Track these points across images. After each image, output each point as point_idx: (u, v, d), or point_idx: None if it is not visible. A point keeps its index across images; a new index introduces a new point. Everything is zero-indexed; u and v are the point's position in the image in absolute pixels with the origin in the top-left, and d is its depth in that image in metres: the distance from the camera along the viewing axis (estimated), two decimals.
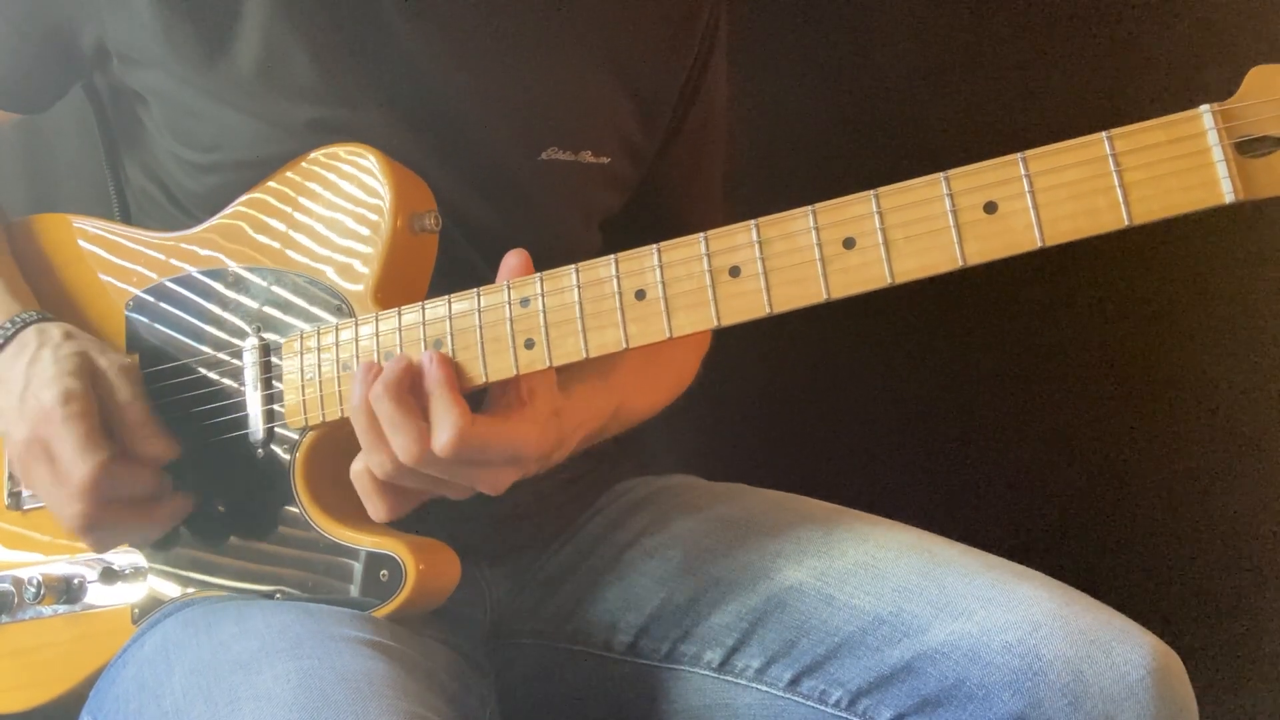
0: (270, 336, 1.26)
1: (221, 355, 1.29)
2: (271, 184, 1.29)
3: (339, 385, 1.20)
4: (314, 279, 1.25)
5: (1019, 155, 0.95)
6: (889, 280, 0.99)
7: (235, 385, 1.28)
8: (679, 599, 1.33)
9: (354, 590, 1.20)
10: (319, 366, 1.22)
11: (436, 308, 1.16)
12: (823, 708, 1.24)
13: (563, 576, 1.42)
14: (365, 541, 1.20)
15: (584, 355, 1.10)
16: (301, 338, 1.23)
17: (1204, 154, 0.90)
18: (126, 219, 1.48)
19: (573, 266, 1.11)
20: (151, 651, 1.22)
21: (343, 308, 1.22)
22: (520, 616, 1.43)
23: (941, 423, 2.00)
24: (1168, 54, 1.82)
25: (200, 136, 1.31)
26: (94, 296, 1.38)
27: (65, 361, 1.23)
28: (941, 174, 0.98)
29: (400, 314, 1.18)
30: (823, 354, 1.95)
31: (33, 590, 1.33)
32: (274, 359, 1.26)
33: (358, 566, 1.20)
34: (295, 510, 1.24)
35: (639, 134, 1.42)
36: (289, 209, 1.28)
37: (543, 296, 1.12)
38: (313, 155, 1.27)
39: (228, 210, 1.32)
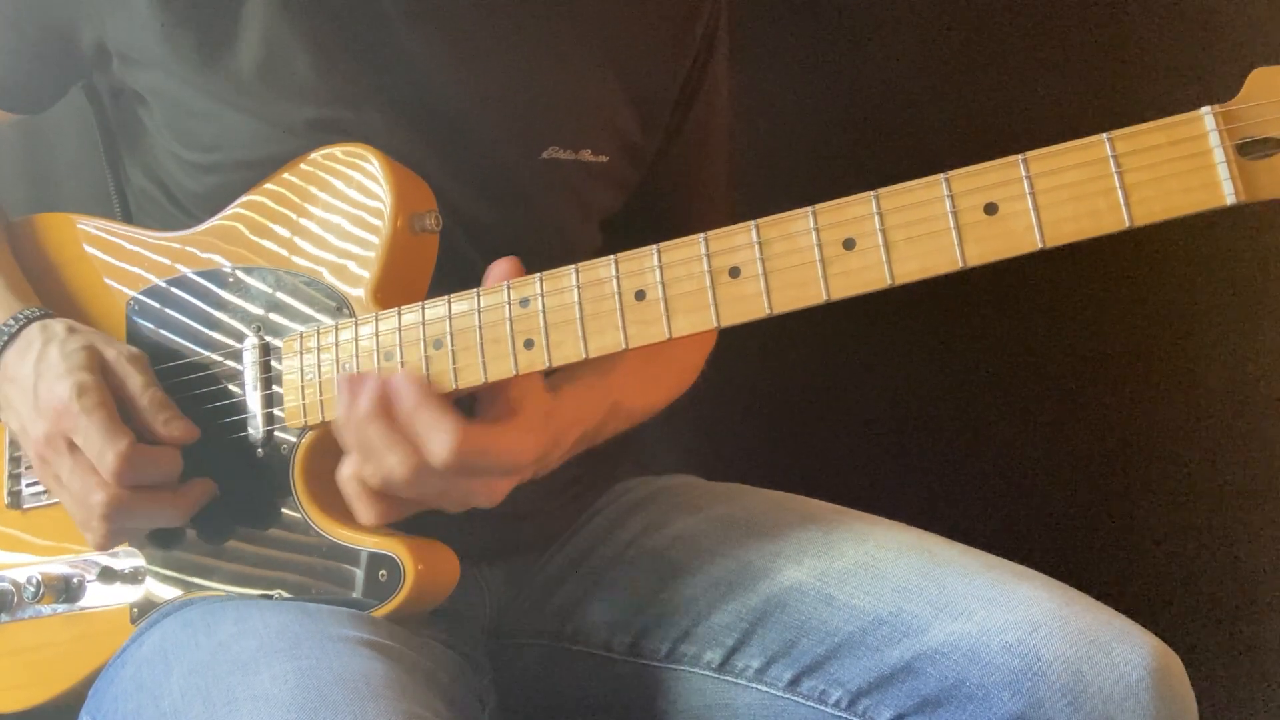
0: (270, 337, 1.26)
1: (221, 356, 1.29)
2: (271, 184, 1.29)
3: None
4: (314, 280, 1.25)
5: (1020, 156, 0.95)
6: (889, 281, 0.99)
7: (235, 386, 1.28)
8: (679, 599, 1.33)
9: (353, 590, 1.20)
10: (319, 367, 1.22)
11: (436, 308, 1.16)
12: (823, 708, 1.24)
13: (563, 576, 1.42)
14: (364, 542, 1.20)
15: (583, 356, 1.10)
16: (301, 338, 1.23)
17: (1205, 155, 0.90)
18: (127, 219, 1.48)
19: (572, 267, 1.11)
20: (150, 651, 1.22)
21: (342, 308, 1.22)
22: (520, 616, 1.43)
23: (941, 423, 2.00)
24: (1169, 55, 1.82)
25: (200, 136, 1.31)
26: (95, 297, 1.38)
27: (74, 356, 1.23)
28: (942, 175, 0.98)
29: (400, 314, 1.18)
30: (823, 354, 1.95)
31: (32, 590, 1.33)
32: (273, 360, 1.26)
33: (357, 567, 1.20)
34: (294, 511, 1.24)
35: (638, 133, 1.42)
36: (289, 210, 1.28)
37: (542, 297, 1.12)
38: (313, 155, 1.27)
39: (227, 211, 1.32)
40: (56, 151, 1.81)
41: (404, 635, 1.19)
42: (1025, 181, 0.95)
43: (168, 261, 1.34)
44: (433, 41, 1.29)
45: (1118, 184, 0.92)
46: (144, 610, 1.30)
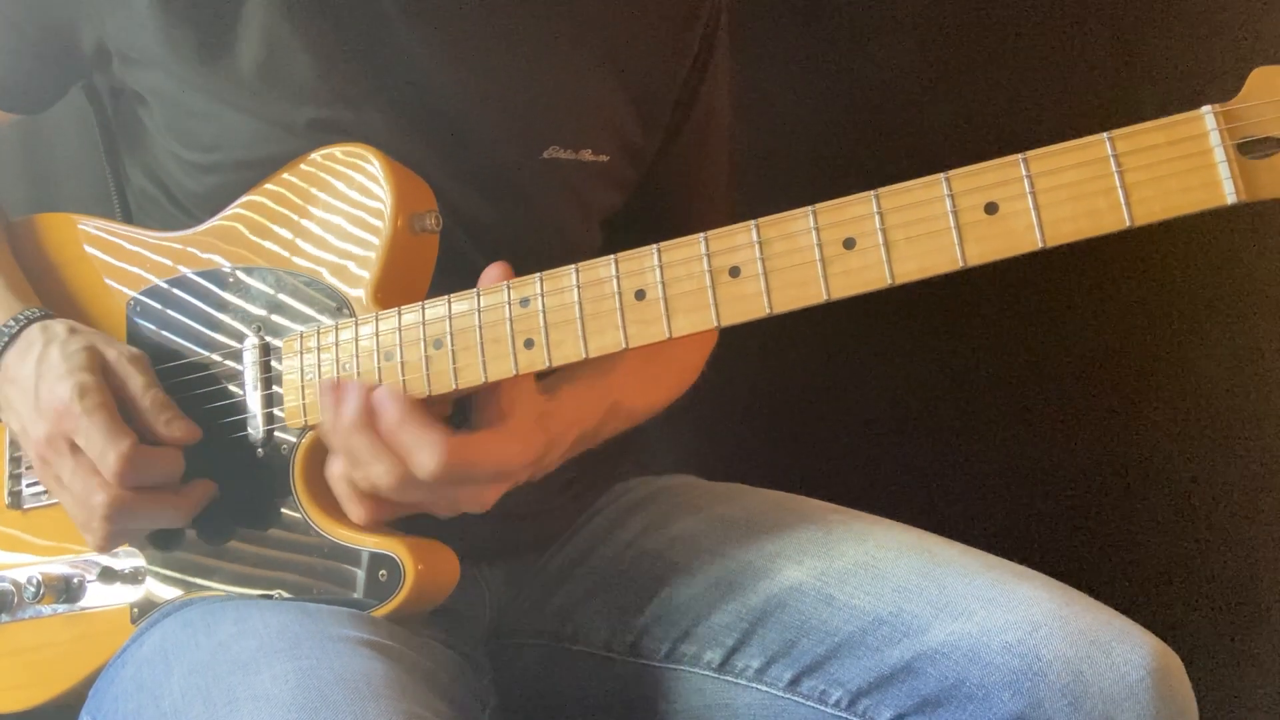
0: (270, 338, 1.26)
1: (221, 356, 1.29)
2: (272, 185, 1.29)
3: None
4: (314, 280, 1.25)
5: (1020, 156, 0.95)
6: (889, 281, 0.99)
7: (235, 386, 1.28)
8: (679, 599, 1.33)
9: (353, 590, 1.20)
10: (319, 367, 1.22)
11: (436, 308, 1.16)
12: (823, 708, 1.24)
13: (563, 576, 1.42)
14: (364, 542, 1.20)
15: (583, 355, 1.10)
16: (301, 338, 1.23)
17: (1206, 155, 0.90)
18: (127, 219, 1.48)
19: (572, 266, 1.11)
20: (150, 651, 1.22)
21: (342, 308, 1.22)
22: (520, 616, 1.43)
23: (941, 423, 2.00)
24: (1169, 54, 1.82)
25: (200, 136, 1.31)
26: (95, 297, 1.38)
27: (74, 357, 1.23)
28: (942, 174, 0.98)
29: (400, 314, 1.18)
30: (823, 354, 1.95)
31: (32, 590, 1.33)
32: (274, 360, 1.26)
33: (356, 567, 1.20)
34: (294, 511, 1.24)
35: (638, 133, 1.42)
36: (289, 210, 1.28)
37: (542, 296, 1.12)
38: (313, 156, 1.27)
39: (227, 211, 1.32)
40: (56, 151, 1.81)
41: (404, 635, 1.19)
42: (1025, 181, 0.95)
43: (168, 262, 1.34)
44: (433, 41, 1.29)
45: (1118, 183, 0.92)
46: (144, 610, 1.30)
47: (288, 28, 1.26)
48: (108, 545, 1.25)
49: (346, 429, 1.14)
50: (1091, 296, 1.92)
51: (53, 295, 1.38)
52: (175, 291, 1.33)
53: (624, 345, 1.09)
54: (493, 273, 1.16)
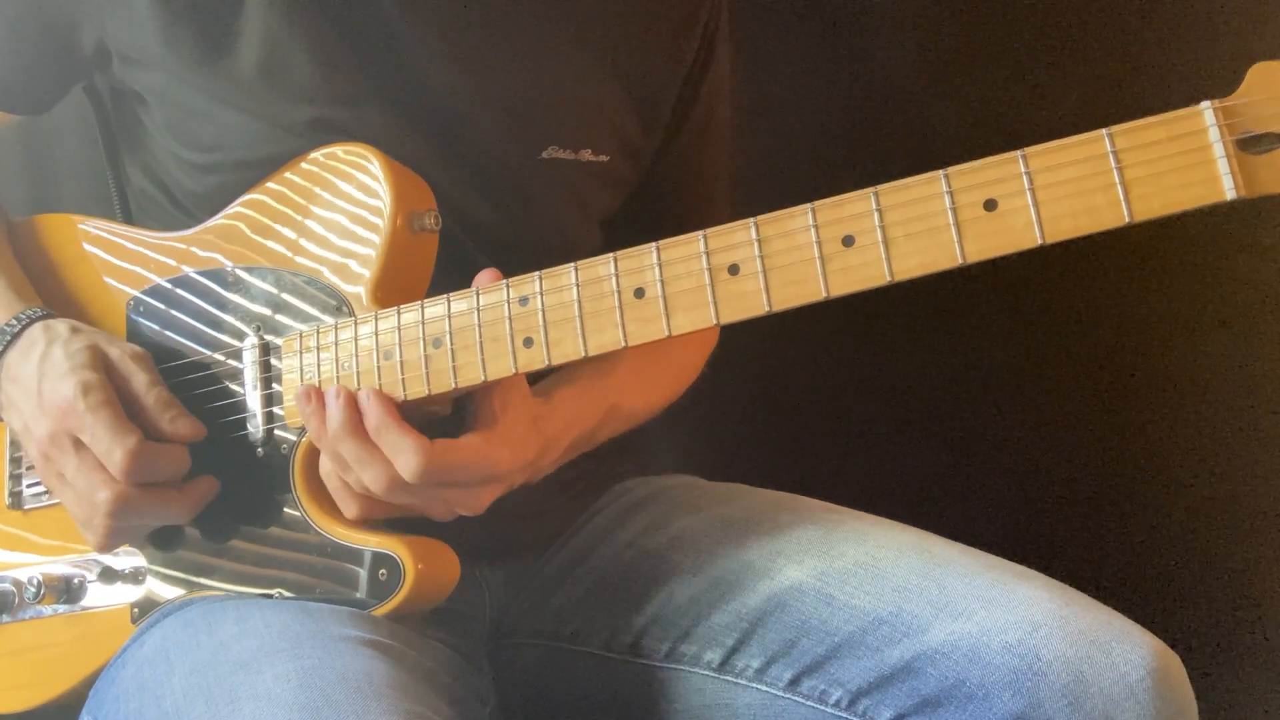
0: (270, 337, 1.26)
1: (221, 355, 1.29)
2: (271, 184, 1.29)
3: (339, 384, 1.20)
4: (314, 279, 1.25)
5: (1019, 152, 0.95)
6: (888, 278, 0.99)
7: (235, 385, 1.28)
8: (679, 599, 1.33)
9: (353, 589, 1.20)
10: (318, 366, 1.22)
11: (435, 307, 1.16)
12: (823, 708, 1.24)
13: (563, 576, 1.42)
14: (364, 541, 1.20)
15: (583, 354, 1.10)
16: (301, 338, 1.24)
17: (1205, 151, 0.90)
18: (128, 219, 1.48)
19: (572, 265, 1.11)
20: (151, 651, 1.22)
21: (342, 307, 1.22)
22: (520, 616, 1.43)
23: (941, 422, 2.00)
24: (1168, 50, 1.81)
25: (200, 137, 1.31)
26: (95, 296, 1.38)
27: (77, 355, 1.24)
28: (941, 171, 0.98)
29: (399, 313, 1.18)
30: (823, 354, 1.95)
31: (33, 590, 1.33)
32: (273, 359, 1.26)
33: (357, 566, 1.20)
34: (295, 510, 1.24)
35: (638, 133, 1.42)
36: (289, 209, 1.28)
37: (542, 295, 1.12)
38: (313, 155, 1.28)
39: (228, 210, 1.32)
40: (56, 152, 1.82)
41: (405, 635, 1.20)
42: (1025, 177, 0.95)
43: (168, 261, 1.34)
44: (432, 41, 1.29)
45: (1117, 179, 0.92)
46: (145, 610, 1.30)
47: (287, 28, 1.26)
48: (109, 544, 1.26)
49: (332, 437, 1.15)
50: (1091, 296, 1.92)
51: (53, 295, 1.38)
52: (175, 290, 1.33)
53: (623, 343, 1.09)
54: (484, 278, 1.16)
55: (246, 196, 1.30)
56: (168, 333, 1.32)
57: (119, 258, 1.37)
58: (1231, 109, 0.90)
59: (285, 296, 1.26)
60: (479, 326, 1.14)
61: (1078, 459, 1.97)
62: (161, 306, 1.33)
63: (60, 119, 1.55)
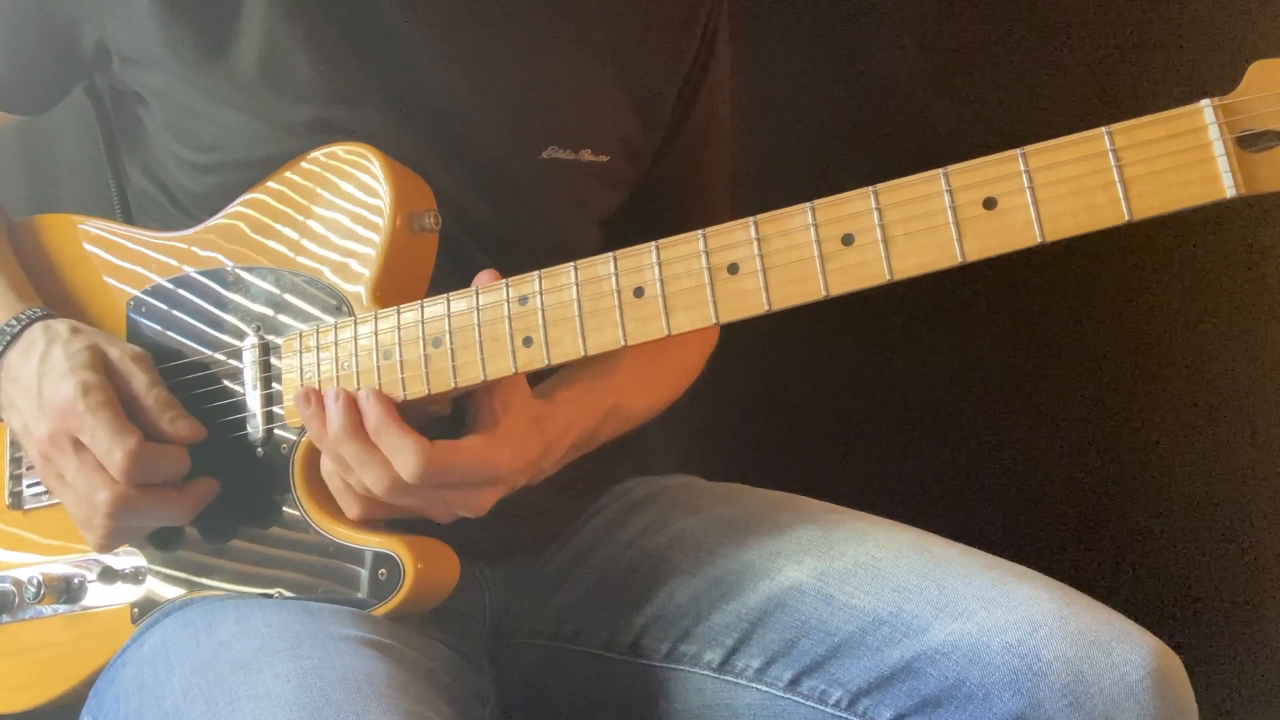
0: (270, 336, 1.26)
1: (221, 355, 1.29)
2: (271, 184, 1.29)
3: (338, 385, 1.20)
4: (314, 279, 1.25)
5: (1019, 151, 0.95)
6: (888, 277, 0.99)
7: (235, 385, 1.28)
8: (679, 599, 1.33)
9: (353, 589, 1.20)
10: (318, 366, 1.22)
11: (435, 306, 1.16)
12: (823, 708, 1.24)
13: (563, 576, 1.42)
14: (364, 540, 1.20)
15: (582, 353, 1.10)
16: (300, 337, 1.24)
17: (1205, 149, 0.90)
18: (128, 219, 1.48)
19: (571, 265, 1.11)
20: (151, 651, 1.22)
21: (342, 307, 1.22)
22: (521, 616, 1.43)
23: (941, 422, 2.00)
24: (1168, 48, 1.81)
25: (200, 137, 1.31)
26: (95, 296, 1.38)
27: (77, 356, 1.24)
28: (941, 170, 0.98)
29: (399, 313, 1.18)
30: (823, 353, 1.95)
31: (33, 590, 1.33)
32: (273, 359, 1.26)
33: (357, 566, 1.20)
34: (294, 510, 1.24)
35: (638, 133, 1.42)
36: (289, 209, 1.28)
37: (541, 295, 1.12)
38: (313, 155, 1.28)
39: (228, 210, 1.32)
40: (56, 152, 1.82)
41: (405, 635, 1.20)
42: (1024, 176, 0.95)
43: (168, 260, 1.34)
44: (432, 40, 1.30)
45: (1117, 178, 0.92)
46: (145, 610, 1.30)
47: (287, 27, 1.26)
48: (109, 544, 1.26)
49: (333, 439, 1.15)
50: (1092, 295, 1.92)
51: (53, 295, 1.38)
52: (175, 290, 1.33)
53: (623, 343, 1.09)
54: (483, 279, 1.16)
55: (247, 196, 1.30)
56: (168, 332, 1.32)
57: (119, 257, 1.38)
58: (1231, 107, 0.90)
59: (285, 296, 1.26)
60: (478, 326, 1.14)
61: (1078, 459, 1.97)
62: (161, 306, 1.33)
63: (60, 119, 1.55)
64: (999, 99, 1.88)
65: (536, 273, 1.13)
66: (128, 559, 1.32)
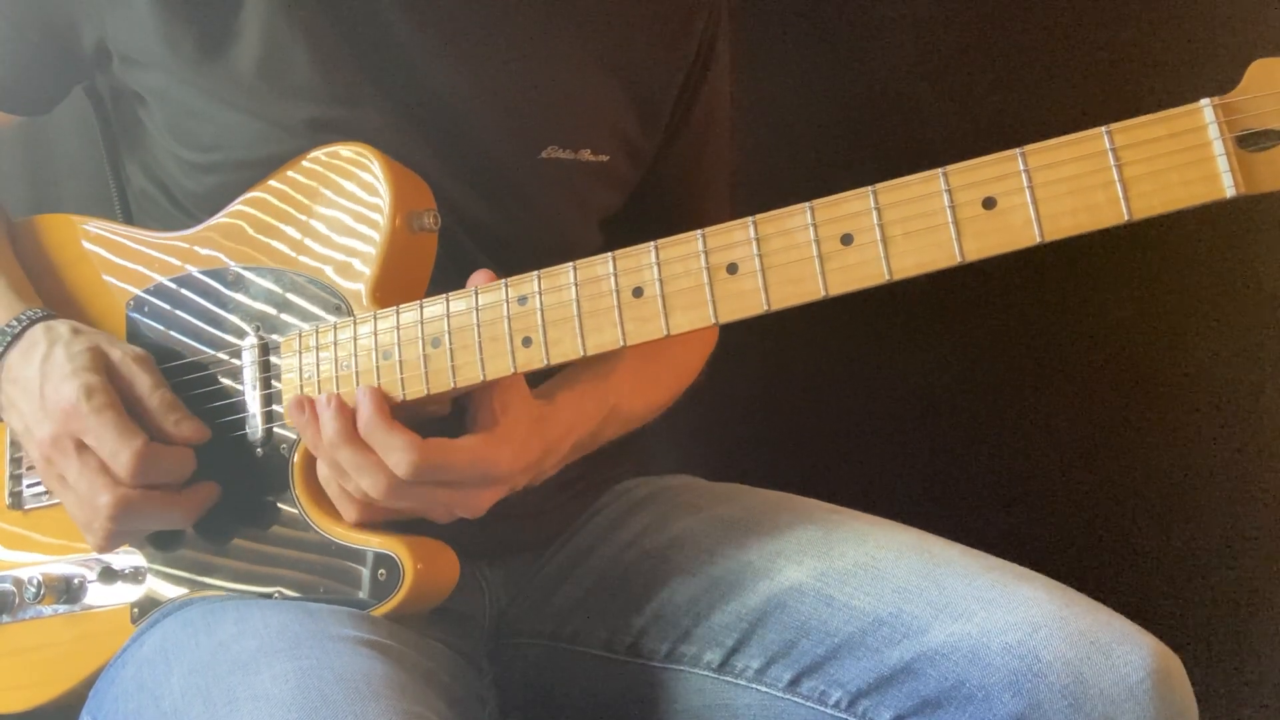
0: (270, 336, 1.26)
1: (221, 355, 1.29)
2: (271, 183, 1.29)
3: (337, 385, 1.20)
4: (313, 278, 1.25)
5: (1018, 150, 0.95)
6: (887, 277, 0.99)
7: (235, 384, 1.28)
8: (679, 599, 1.33)
9: (353, 590, 1.20)
10: (318, 366, 1.22)
11: (434, 306, 1.16)
12: (822, 708, 1.24)
13: (563, 577, 1.42)
14: (364, 541, 1.20)
15: (582, 353, 1.10)
16: (300, 337, 1.24)
17: (1205, 148, 0.90)
18: (128, 219, 1.48)
19: (570, 265, 1.11)
20: (151, 652, 1.22)
21: (341, 307, 1.22)
22: (520, 617, 1.43)
23: (941, 423, 2.00)
24: (1168, 47, 1.81)
25: (200, 137, 1.31)
26: (95, 296, 1.38)
27: (79, 357, 1.24)
28: (940, 170, 0.98)
29: (399, 313, 1.18)
30: (823, 353, 1.95)
31: (33, 590, 1.33)
32: (273, 358, 1.26)
33: (356, 566, 1.20)
34: (294, 509, 1.24)
35: (638, 133, 1.42)
36: (289, 208, 1.28)
37: (540, 295, 1.12)
38: (312, 155, 1.28)
39: (229, 209, 1.32)
40: (56, 152, 1.82)
41: (405, 635, 1.20)
42: (1024, 175, 0.95)
43: (169, 259, 1.34)
44: (432, 40, 1.30)
45: (1116, 177, 0.92)
46: (145, 610, 1.30)
47: (287, 27, 1.26)
48: (109, 546, 1.26)
49: (328, 445, 1.15)
50: (1092, 295, 1.92)
51: (53, 295, 1.38)
52: (175, 289, 1.33)
53: (622, 343, 1.09)
54: (478, 278, 1.17)
55: (248, 195, 1.30)
56: (168, 331, 1.32)
57: (119, 257, 1.38)
58: (1231, 106, 0.90)
59: (286, 295, 1.26)
60: (478, 326, 1.14)
61: (1078, 459, 1.97)
62: (162, 305, 1.33)
63: (60, 119, 1.56)
64: (999, 99, 1.88)
65: (536, 273, 1.13)
66: (128, 559, 1.32)
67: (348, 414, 1.15)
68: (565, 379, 1.31)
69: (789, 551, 1.30)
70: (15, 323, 1.29)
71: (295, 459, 1.24)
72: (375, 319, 1.19)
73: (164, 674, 1.16)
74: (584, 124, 1.37)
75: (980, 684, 1.13)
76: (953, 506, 1.90)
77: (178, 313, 1.32)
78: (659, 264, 1.07)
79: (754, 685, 1.28)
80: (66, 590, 1.34)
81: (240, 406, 1.27)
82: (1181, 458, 1.93)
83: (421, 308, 1.17)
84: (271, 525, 1.25)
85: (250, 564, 1.26)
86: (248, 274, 1.29)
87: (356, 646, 1.12)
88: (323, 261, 1.25)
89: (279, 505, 1.25)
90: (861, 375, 2.00)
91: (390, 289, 1.22)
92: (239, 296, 1.29)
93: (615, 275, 1.09)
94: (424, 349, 1.16)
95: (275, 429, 1.25)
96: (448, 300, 1.16)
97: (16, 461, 1.40)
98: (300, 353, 1.23)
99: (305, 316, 1.25)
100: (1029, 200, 0.94)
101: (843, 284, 1.01)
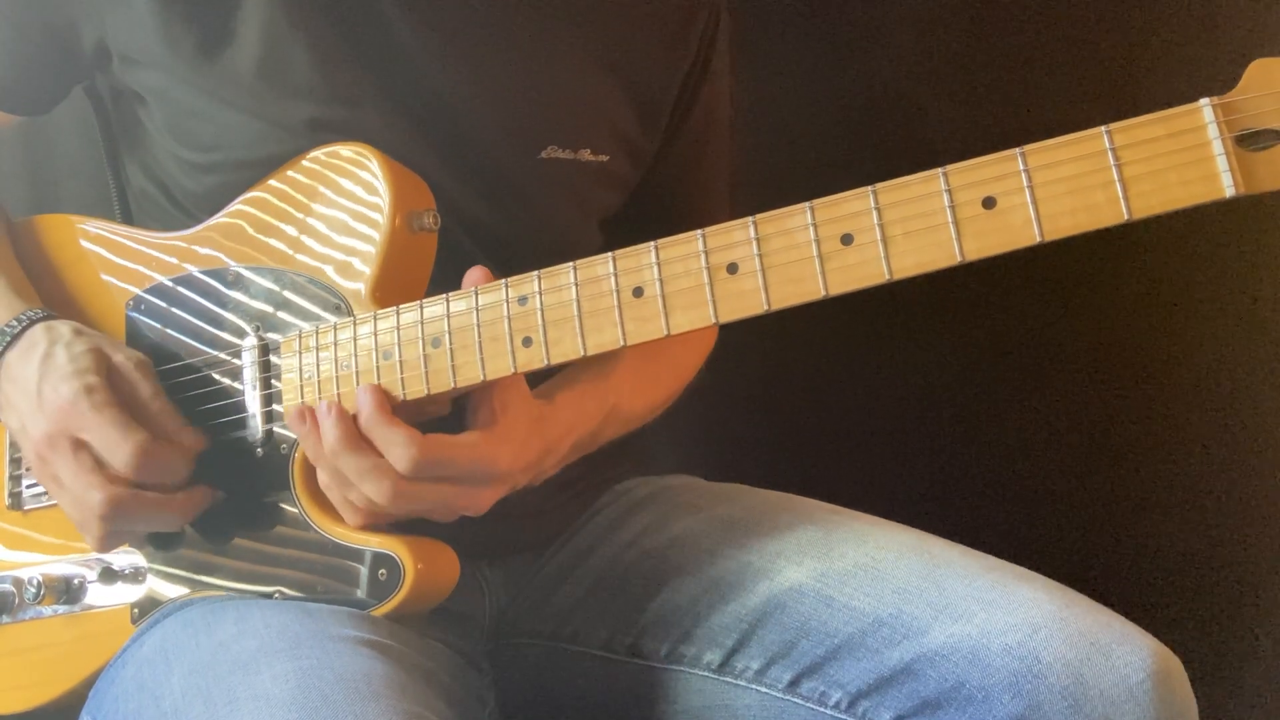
0: (270, 336, 1.26)
1: (221, 355, 1.29)
2: (271, 183, 1.29)
3: (337, 385, 1.20)
4: (313, 278, 1.25)
5: (1018, 150, 0.95)
6: (887, 277, 0.99)
7: (235, 385, 1.28)
8: (679, 600, 1.33)
9: (353, 590, 1.20)
10: (318, 366, 1.22)
11: (434, 307, 1.16)
12: (822, 709, 1.24)
13: (563, 577, 1.42)
14: (364, 541, 1.20)
15: (582, 353, 1.10)
16: (300, 337, 1.24)
17: (1204, 148, 0.90)
18: (127, 219, 1.48)
19: (570, 265, 1.11)
20: (151, 652, 1.22)
21: (341, 307, 1.22)
22: (520, 617, 1.43)
23: (941, 423, 2.00)
24: (1167, 47, 1.81)
25: (200, 136, 1.31)
26: (95, 296, 1.38)
27: (80, 358, 1.24)
28: (940, 169, 0.98)
29: (399, 313, 1.18)
30: (823, 354, 1.95)
31: (33, 590, 1.33)
32: (273, 358, 1.26)
33: (356, 566, 1.20)
34: (294, 509, 1.24)
35: (638, 133, 1.42)
36: (289, 208, 1.28)
37: (540, 295, 1.12)
38: (312, 154, 1.28)
39: (228, 209, 1.32)
40: (56, 152, 1.82)
41: (405, 635, 1.20)
42: (1023, 175, 0.95)
43: (169, 259, 1.34)
44: (431, 40, 1.30)
45: (1116, 177, 0.92)
46: (145, 610, 1.30)
47: (286, 26, 1.26)
48: (106, 546, 1.26)
49: (330, 454, 1.15)
50: (1093, 296, 1.92)
51: (52, 295, 1.38)
52: (174, 289, 1.33)
53: (622, 343, 1.09)
54: (474, 275, 1.17)
55: (248, 195, 1.30)
56: (167, 331, 1.32)
57: (118, 256, 1.38)
58: (1230, 106, 0.90)
59: (286, 295, 1.26)
60: (478, 326, 1.14)
61: (1078, 460, 1.97)
62: (161, 304, 1.33)
63: (60, 119, 1.56)
64: (999, 99, 1.88)
65: (536, 273, 1.13)
66: (128, 559, 1.32)
67: (349, 421, 1.15)
68: (565, 379, 1.31)
69: (789, 552, 1.30)
70: (16, 322, 1.29)
71: (295, 458, 1.24)
72: (375, 319, 1.19)
73: (164, 674, 1.16)
74: (584, 124, 1.37)
75: (980, 685, 1.13)
76: (953, 506, 1.90)
77: (177, 313, 1.32)
78: (659, 264, 1.07)
79: (754, 686, 1.28)
80: (66, 590, 1.34)
81: (240, 406, 1.27)
82: (1181, 458, 1.93)
83: (421, 308, 1.17)
84: (272, 525, 1.25)
85: (250, 564, 1.26)
86: (247, 274, 1.29)
87: (357, 646, 1.12)
88: (323, 261, 1.25)
89: (279, 505, 1.25)
90: (861, 375, 2.00)
91: (390, 289, 1.22)
92: (239, 296, 1.29)
93: (615, 275, 1.09)
94: (424, 349, 1.16)
95: (275, 429, 1.25)
96: (448, 300, 1.16)
97: (16, 462, 1.40)
98: (300, 353, 1.23)
99: (305, 316, 1.25)
100: (1029, 200, 0.94)
101: (843, 284, 1.01)
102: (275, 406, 1.25)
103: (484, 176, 1.33)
